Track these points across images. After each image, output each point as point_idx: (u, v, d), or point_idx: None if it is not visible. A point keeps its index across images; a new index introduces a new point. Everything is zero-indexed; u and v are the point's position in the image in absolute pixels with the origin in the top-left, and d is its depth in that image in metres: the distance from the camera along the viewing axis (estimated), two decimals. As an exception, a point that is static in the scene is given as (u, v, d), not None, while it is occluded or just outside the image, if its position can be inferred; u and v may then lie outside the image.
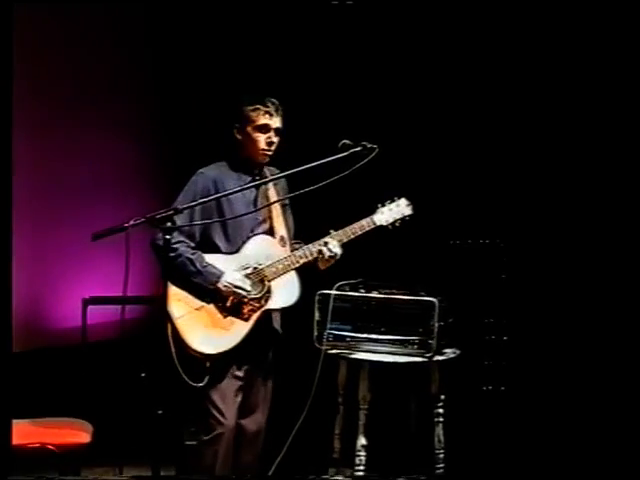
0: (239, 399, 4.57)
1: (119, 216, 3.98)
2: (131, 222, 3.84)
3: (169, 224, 3.87)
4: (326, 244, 4.60)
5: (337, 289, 5.08)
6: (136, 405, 5.77)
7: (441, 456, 5.25)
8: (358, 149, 4.31)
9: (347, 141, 4.34)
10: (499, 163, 6.33)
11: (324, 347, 4.99)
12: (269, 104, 4.59)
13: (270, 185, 4.64)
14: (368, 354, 5.17)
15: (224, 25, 6.79)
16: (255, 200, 4.60)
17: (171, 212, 3.90)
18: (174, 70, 6.90)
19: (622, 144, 6.10)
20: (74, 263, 6.41)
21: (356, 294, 5.25)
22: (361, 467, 5.13)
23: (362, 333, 5.20)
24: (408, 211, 4.77)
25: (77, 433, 4.60)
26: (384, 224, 4.74)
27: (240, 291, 4.45)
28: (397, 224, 4.76)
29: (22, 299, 5.99)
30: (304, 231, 4.84)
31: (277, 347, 4.74)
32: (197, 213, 4.43)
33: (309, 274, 4.66)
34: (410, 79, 6.48)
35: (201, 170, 4.60)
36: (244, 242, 4.54)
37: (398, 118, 6.45)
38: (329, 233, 4.67)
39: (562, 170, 6.22)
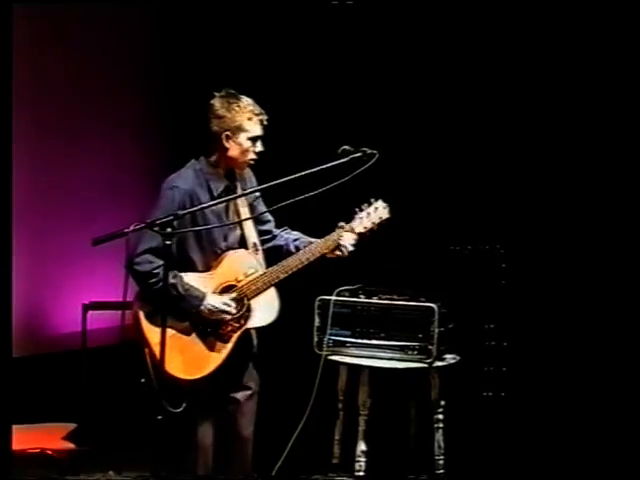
0: (212, 422, 4.45)
1: (119, 221, 3.98)
2: (131, 227, 3.84)
3: (169, 230, 3.86)
4: (341, 236, 4.44)
5: (337, 295, 5.08)
6: (135, 410, 5.78)
7: (441, 462, 5.25)
8: (358, 155, 4.27)
9: (347, 147, 4.30)
10: (499, 169, 6.33)
11: (324, 353, 4.99)
12: (262, 112, 4.38)
13: (238, 189, 4.43)
14: (368, 360, 5.17)
15: (224, 25, 6.78)
16: (226, 208, 4.41)
17: (170, 218, 3.89)
18: (176, 73, 6.91)
19: (621, 149, 6.10)
20: (74, 268, 6.41)
21: (356, 300, 5.25)
22: (361, 473, 5.12)
23: (362, 339, 5.20)
24: (386, 214, 4.58)
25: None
26: (362, 231, 4.54)
27: (224, 315, 4.30)
28: (375, 229, 4.57)
29: (22, 304, 5.99)
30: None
31: (256, 363, 4.57)
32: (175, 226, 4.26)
33: (309, 280, 4.60)
34: (410, 80, 6.47)
35: (175, 184, 4.34)
36: (218, 256, 4.36)
37: (398, 123, 6.45)
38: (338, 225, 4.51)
39: (561, 176, 6.23)
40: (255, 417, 4.58)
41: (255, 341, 4.54)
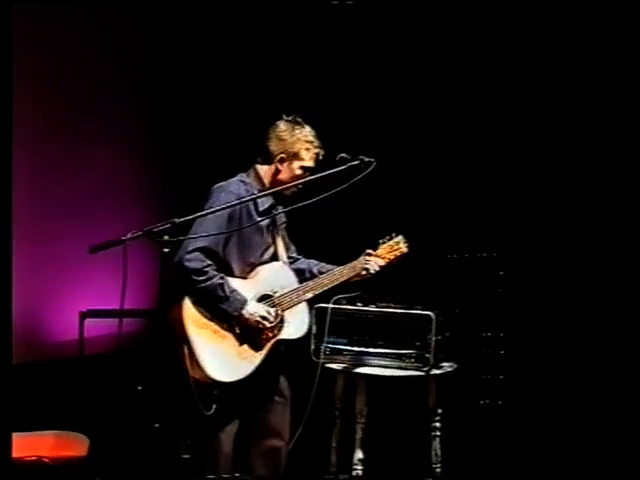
0: (236, 426, 4.51)
1: (117, 229, 3.98)
2: (129, 235, 3.83)
3: (166, 237, 3.87)
4: (367, 262, 4.68)
5: (334, 302, 5.07)
6: (132, 418, 5.77)
7: (438, 470, 5.25)
8: (356, 163, 4.29)
9: (344, 155, 4.32)
10: (496, 177, 6.34)
11: (321, 360, 4.98)
12: (320, 146, 4.49)
13: (280, 208, 4.59)
14: (365, 368, 5.17)
15: (224, 26, 6.76)
16: (267, 224, 4.53)
17: (168, 226, 3.89)
18: (173, 82, 6.90)
19: (619, 158, 6.11)
20: (71, 276, 6.40)
21: (353, 307, 5.25)
22: (358, 481, 5.12)
23: (359, 347, 5.20)
24: (405, 249, 4.82)
25: (73, 446, 4.59)
26: (383, 264, 4.76)
27: (264, 322, 4.38)
28: (393, 263, 4.80)
29: (20, 312, 5.97)
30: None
31: (289, 375, 4.66)
32: (225, 230, 4.33)
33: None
34: (409, 82, 6.47)
35: (229, 188, 4.44)
36: (255, 267, 4.48)
37: (396, 129, 6.45)
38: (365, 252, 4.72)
39: (558, 184, 6.24)
40: (288, 426, 4.61)
41: (284, 353, 4.60)
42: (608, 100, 6.11)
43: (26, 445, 4.46)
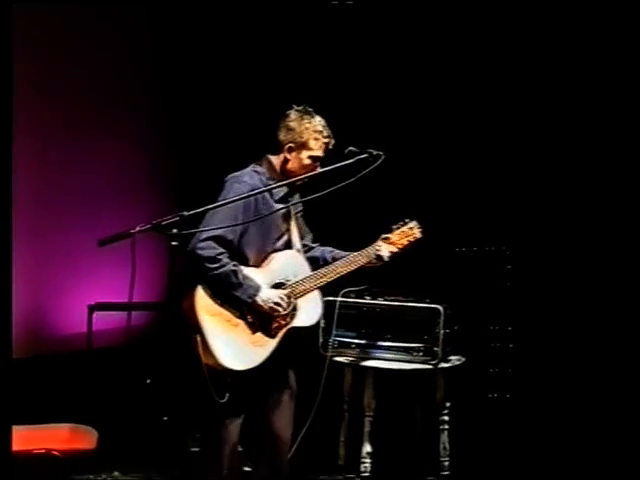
0: (242, 416, 4.51)
1: (125, 222, 3.98)
2: (137, 228, 3.83)
3: (175, 231, 3.87)
4: (379, 248, 4.62)
5: (342, 296, 5.07)
6: (141, 411, 5.78)
7: (446, 463, 5.25)
8: (364, 156, 4.28)
9: (353, 148, 4.32)
10: (504, 171, 6.33)
11: (329, 354, 4.98)
12: (329, 136, 4.47)
13: (296, 197, 4.58)
14: (373, 361, 5.18)
15: (224, 26, 6.77)
16: (283, 214, 4.52)
17: (177, 219, 3.89)
18: (180, 76, 6.91)
19: (626, 153, 6.10)
20: (80, 269, 6.41)
21: (361, 301, 5.25)
22: (366, 474, 5.13)
23: (367, 340, 5.21)
24: (418, 234, 4.75)
25: (82, 439, 4.59)
26: (399, 246, 4.71)
27: (278, 307, 4.37)
28: (407, 248, 4.73)
29: (28, 305, 6.00)
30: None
31: (297, 368, 4.62)
32: (241, 219, 4.33)
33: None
34: (412, 81, 6.47)
35: (243, 178, 4.43)
36: (268, 255, 4.47)
37: (402, 124, 6.44)
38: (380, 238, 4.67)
39: (567, 178, 6.22)
40: (293, 418, 4.58)
41: (298, 340, 4.58)
42: (617, 94, 6.10)
43: (36, 438, 4.46)
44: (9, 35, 3.93)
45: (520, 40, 6.24)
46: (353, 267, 4.57)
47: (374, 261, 4.62)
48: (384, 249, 4.62)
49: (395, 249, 4.65)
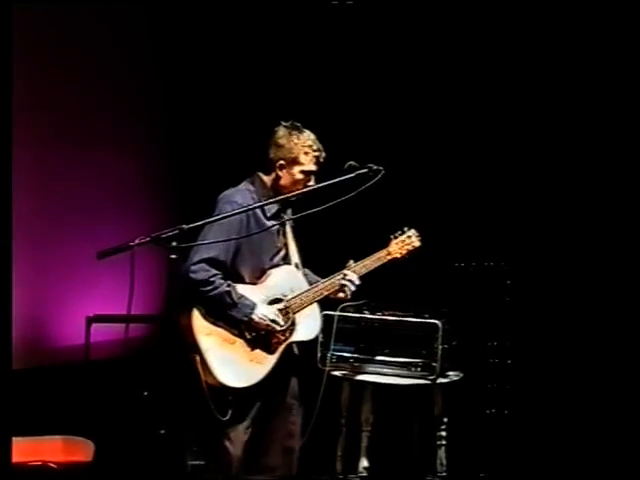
0: (250, 430, 4.50)
1: (124, 234, 3.98)
2: (136, 241, 3.83)
3: (174, 244, 3.87)
4: (345, 276, 4.58)
5: (341, 310, 5.06)
6: (139, 424, 5.77)
7: (443, 479, 5.24)
8: (364, 171, 4.28)
9: (353, 162, 4.32)
10: (503, 186, 6.33)
11: (327, 368, 4.97)
12: (320, 149, 4.48)
13: (289, 212, 4.60)
14: (371, 376, 5.17)
15: (224, 26, 6.75)
16: (277, 229, 4.54)
17: (176, 232, 3.89)
18: (178, 87, 6.91)
19: (627, 167, 6.10)
20: (78, 281, 6.40)
21: (360, 315, 5.25)
22: (363, 489, 5.12)
23: (365, 355, 5.20)
24: (417, 243, 4.77)
25: (79, 451, 4.59)
26: (398, 257, 4.73)
27: (274, 325, 4.38)
28: (407, 256, 4.75)
29: (26, 316, 5.99)
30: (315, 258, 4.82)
31: (300, 377, 4.65)
32: (233, 242, 4.34)
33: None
34: (411, 84, 6.44)
35: (233, 198, 4.43)
36: (265, 271, 4.48)
37: (401, 131, 6.42)
38: (346, 264, 4.64)
39: (566, 194, 6.22)
40: (299, 429, 4.61)
41: (297, 354, 4.59)
42: (622, 113, 6.09)
43: (32, 450, 4.46)
44: (9, 38, 3.94)
45: (523, 53, 6.23)
46: (320, 297, 4.54)
47: (340, 294, 4.59)
48: (349, 281, 4.56)
49: (357, 279, 4.58)
